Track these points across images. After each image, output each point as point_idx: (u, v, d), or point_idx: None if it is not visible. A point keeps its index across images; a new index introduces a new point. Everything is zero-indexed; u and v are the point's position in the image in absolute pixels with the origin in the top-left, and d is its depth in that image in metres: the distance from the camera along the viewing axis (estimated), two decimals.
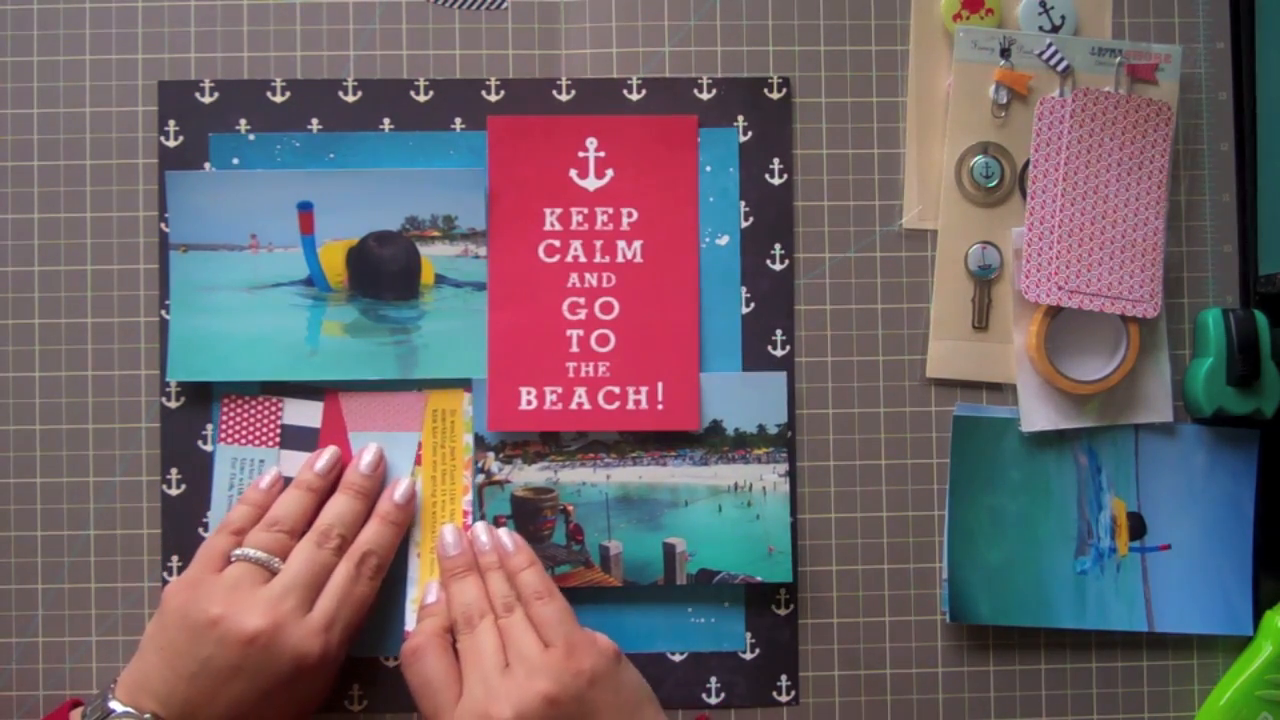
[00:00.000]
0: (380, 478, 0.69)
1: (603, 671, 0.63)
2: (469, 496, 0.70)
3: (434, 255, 0.69)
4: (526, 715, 0.60)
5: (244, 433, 0.69)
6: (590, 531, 0.69)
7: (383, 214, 0.69)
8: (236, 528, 0.66)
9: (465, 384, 0.70)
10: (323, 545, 0.65)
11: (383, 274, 0.69)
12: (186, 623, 0.62)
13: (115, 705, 0.60)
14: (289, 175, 0.69)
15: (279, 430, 0.70)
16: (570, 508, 0.69)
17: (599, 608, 0.70)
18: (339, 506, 0.67)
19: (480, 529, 0.68)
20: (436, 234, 0.69)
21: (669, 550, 0.69)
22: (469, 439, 0.70)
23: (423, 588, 0.69)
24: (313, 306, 0.69)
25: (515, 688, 0.61)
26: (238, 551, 0.64)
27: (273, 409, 0.70)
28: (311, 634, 0.62)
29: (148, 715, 0.60)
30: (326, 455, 0.68)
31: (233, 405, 0.69)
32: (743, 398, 0.70)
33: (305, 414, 0.70)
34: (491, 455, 0.70)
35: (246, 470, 0.69)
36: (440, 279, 0.69)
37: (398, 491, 0.68)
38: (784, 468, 0.70)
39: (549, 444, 0.70)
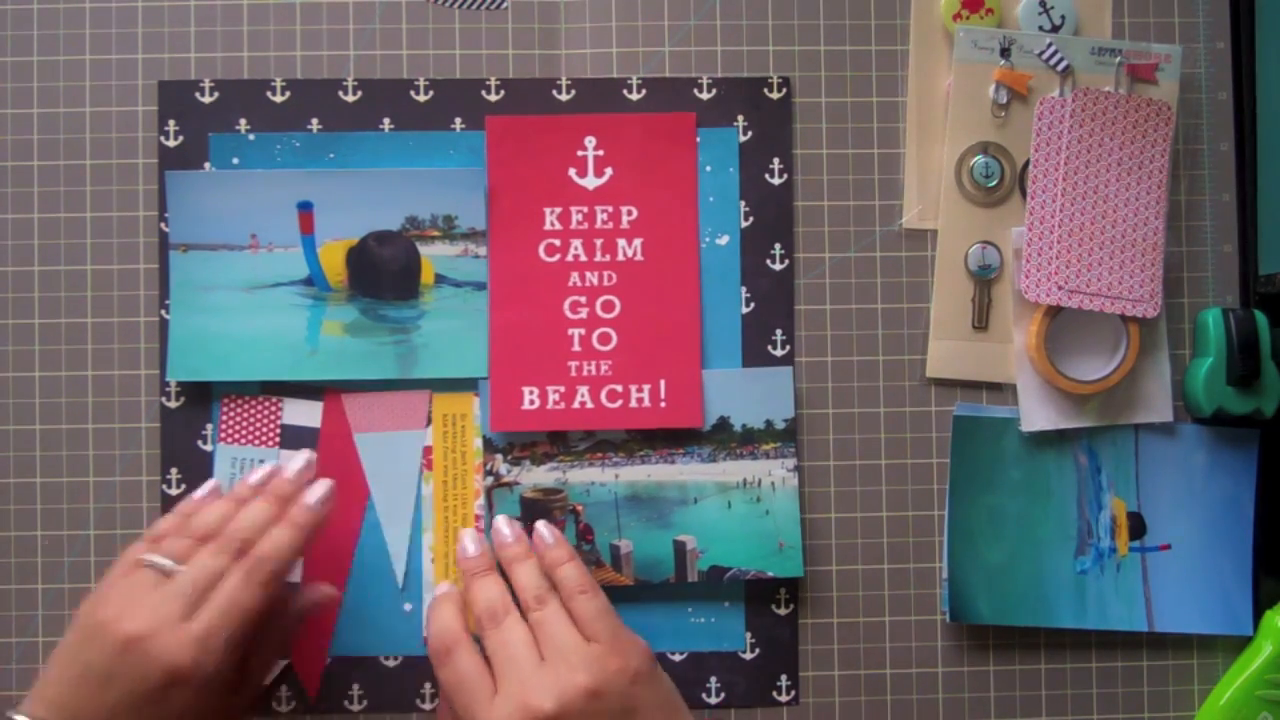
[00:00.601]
0: (306, 485, 0.66)
1: (645, 671, 0.61)
2: (480, 500, 0.70)
3: (434, 255, 0.69)
4: (569, 707, 0.58)
5: (244, 432, 0.69)
6: (600, 531, 0.69)
7: (383, 214, 0.69)
8: (156, 536, 0.63)
9: (474, 387, 0.70)
10: (222, 551, 0.62)
11: (383, 274, 0.69)
12: (82, 627, 0.60)
13: (17, 715, 0.58)
14: (289, 175, 0.69)
15: (279, 430, 0.70)
16: (580, 508, 0.69)
17: None
18: (249, 511, 0.64)
19: (502, 522, 0.67)
20: (436, 234, 0.69)
21: (679, 548, 0.69)
22: (479, 443, 0.70)
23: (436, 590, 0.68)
24: (313, 306, 0.69)
25: (555, 680, 0.59)
26: (142, 556, 0.62)
27: (272, 409, 0.70)
28: (185, 644, 0.58)
29: None
30: (264, 469, 0.66)
31: (233, 405, 0.69)
32: (749, 394, 0.70)
33: (305, 414, 0.70)
34: (499, 457, 0.69)
35: (247, 470, 0.69)
36: (440, 279, 0.69)
37: (310, 495, 0.65)
38: (792, 463, 0.70)
39: (557, 444, 0.70)
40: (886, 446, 0.71)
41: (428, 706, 0.70)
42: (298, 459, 0.66)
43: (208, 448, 0.70)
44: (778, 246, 0.71)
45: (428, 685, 0.70)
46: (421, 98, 0.70)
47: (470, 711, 0.60)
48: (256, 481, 0.66)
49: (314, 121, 0.70)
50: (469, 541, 0.66)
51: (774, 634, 0.70)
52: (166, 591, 0.60)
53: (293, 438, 0.69)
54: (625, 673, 0.60)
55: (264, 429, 0.69)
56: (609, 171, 0.70)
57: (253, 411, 0.69)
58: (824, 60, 0.72)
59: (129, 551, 0.62)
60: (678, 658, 0.70)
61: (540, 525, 0.67)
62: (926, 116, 0.72)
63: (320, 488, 0.65)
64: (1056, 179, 0.70)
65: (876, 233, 0.72)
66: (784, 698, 0.70)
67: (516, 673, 0.60)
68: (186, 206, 0.69)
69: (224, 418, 0.69)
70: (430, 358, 0.69)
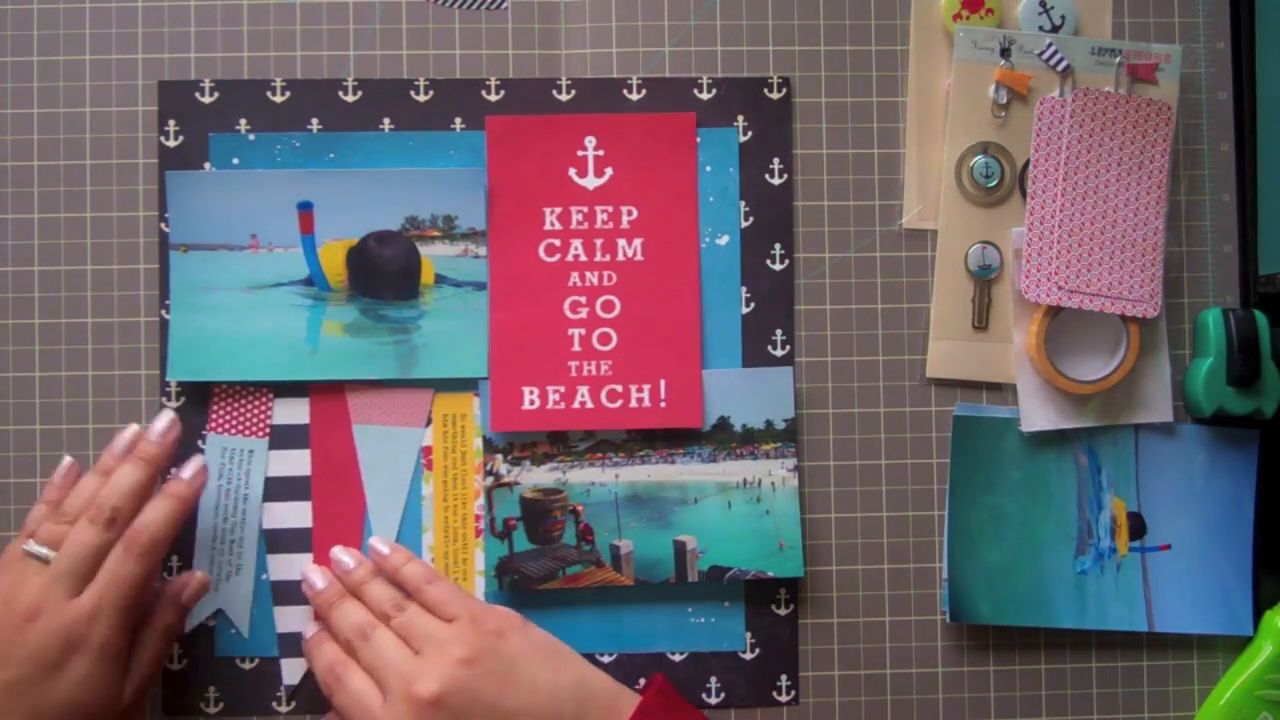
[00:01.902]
0: (171, 445, 0.66)
1: (510, 626, 0.64)
2: (480, 500, 0.70)
3: (434, 255, 0.69)
4: (451, 682, 0.60)
5: (233, 423, 0.69)
6: (600, 531, 0.69)
7: (383, 214, 0.69)
8: (31, 530, 0.65)
9: (474, 387, 0.70)
10: (94, 521, 0.63)
11: (383, 274, 0.69)
12: None
13: None
14: (289, 175, 0.69)
15: (269, 421, 0.69)
16: (580, 508, 0.69)
17: (600, 609, 0.70)
18: (118, 477, 0.65)
19: (339, 552, 0.68)
20: (436, 234, 0.69)
21: (679, 548, 0.69)
22: (479, 443, 0.70)
23: None
24: (313, 306, 0.69)
25: (432, 664, 0.61)
26: (24, 546, 0.63)
27: (263, 400, 0.69)
28: (78, 616, 0.61)
29: None
30: (126, 435, 0.66)
31: (223, 396, 0.69)
32: (749, 394, 0.70)
33: (297, 409, 0.69)
34: (499, 457, 0.69)
35: (236, 460, 0.69)
36: (440, 279, 0.69)
37: (186, 469, 0.67)
38: (792, 463, 0.70)
39: (557, 444, 0.70)
40: (886, 446, 0.71)
41: None
42: (160, 419, 0.67)
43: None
44: (778, 246, 0.71)
45: None
46: (421, 98, 0.70)
47: None
48: (121, 449, 0.66)
49: (314, 121, 0.70)
50: (315, 576, 0.68)
51: (774, 634, 0.70)
52: (48, 575, 0.62)
53: (283, 432, 0.70)
54: (492, 633, 0.63)
55: (255, 420, 0.69)
56: (609, 171, 0.70)
57: (243, 402, 0.69)
58: (824, 60, 0.72)
59: (9, 550, 0.64)
60: (678, 658, 0.70)
61: (373, 540, 0.68)
62: (926, 116, 0.72)
63: (196, 462, 0.67)
64: (1056, 179, 0.70)
65: (876, 233, 0.72)
66: (784, 698, 0.70)
67: (395, 671, 0.62)
68: (187, 207, 0.69)
69: (214, 409, 0.69)
70: (430, 358, 0.69)
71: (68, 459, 0.67)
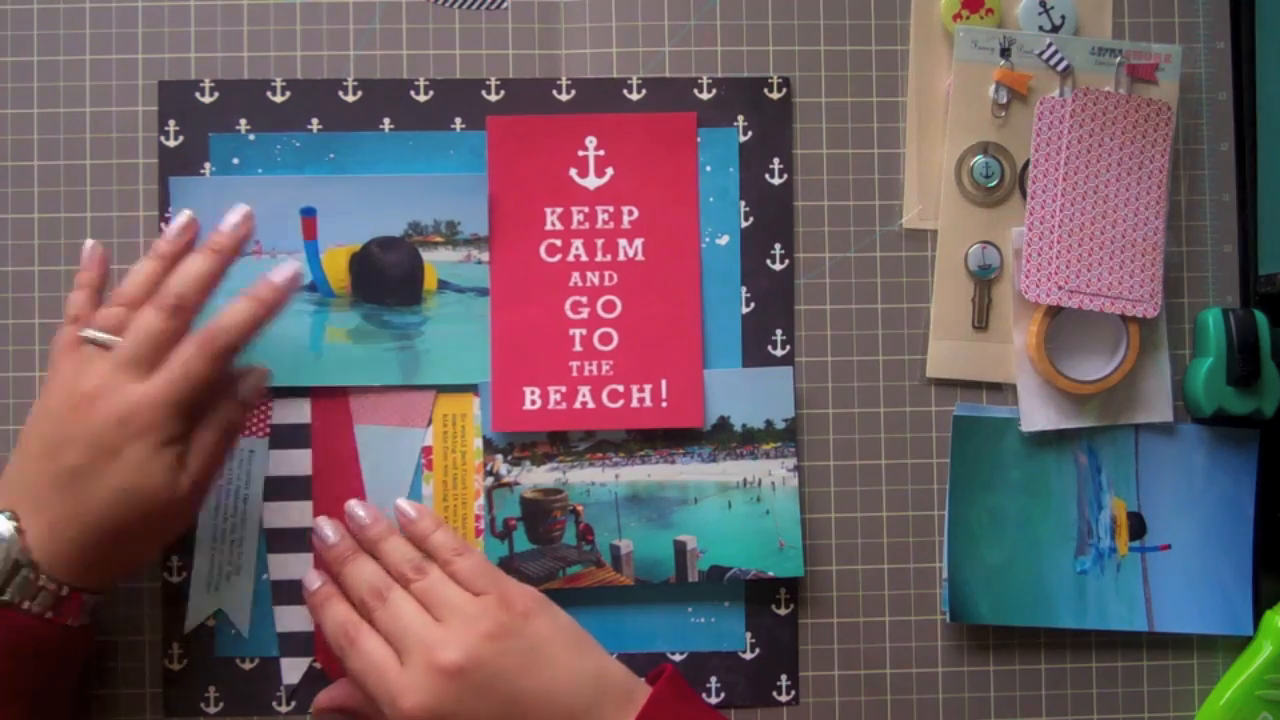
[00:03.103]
0: (243, 239, 0.64)
1: (537, 607, 0.63)
2: (480, 500, 0.70)
3: (437, 261, 0.69)
4: (474, 655, 0.59)
5: None
6: (601, 531, 0.69)
7: (385, 219, 0.69)
8: (74, 315, 0.63)
9: (475, 387, 0.70)
10: (160, 309, 0.61)
11: (386, 279, 0.69)
12: (35, 415, 0.61)
13: None
14: (292, 181, 0.69)
15: (269, 425, 0.69)
16: (580, 508, 0.69)
17: (600, 609, 0.70)
18: (187, 265, 0.62)
19: (355, 505, 0.67)
20: (439, 239, 0.69)
21: (680, 548, 0.69)
22: (479, 443, 0.70)
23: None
24: (316, 312, 0.69)
25: (456, 634, 0.60)
26: (81, 333, 0.61)
27: (264, 401, 0.69)
28: (136, 405, 0.59)
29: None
30: (180, 220, 0.65)
31: None
32: (749, 394, 0.70)
33: (297, 410, 0.69)
34: (500, 457, 0.69)
35: (237, 460, 0.69)
36: (443, 284, 0.69)
37: (278, 273, 0.63)
38: (792, 462, 0.70)
39: (557, 444, 0.70)
40: (886, 446, 0.71)
41: None
42: (234, 213, 0.64)
43: None
44: (778, 246, 0.71)
45: None
46: (421, 98, 0.70)
47: (381, 689, 0.60)
48: (175, 235, 0.64)
49: (314, 121, 0.70)
50: (328, 529, 0.66)
51: (774, 634, 0.71)
52: (111, 359, 0.60)
53: (284, 431, 0.69)
54: (520, 613, 0.62)
55: (255, 419, 0.69)
56: (610, 171, 0.70)
57: None
58: (824, 60, 0.72)
59: (58, 337, 0.62)
60: (678, 658, 0.70)
61: (401, 502, 0.67)
62: (926, 116, 0.72)
63: (289, 268, 0.64)
64: (1056, 179, 0.70)
65: (876, 233, 0.72)
66: (784, 698, 0.71)
67: (416, 637, 0.61)
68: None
69: None
70: (433, 364, 0.69)
71: (90, 241, 0.66)
